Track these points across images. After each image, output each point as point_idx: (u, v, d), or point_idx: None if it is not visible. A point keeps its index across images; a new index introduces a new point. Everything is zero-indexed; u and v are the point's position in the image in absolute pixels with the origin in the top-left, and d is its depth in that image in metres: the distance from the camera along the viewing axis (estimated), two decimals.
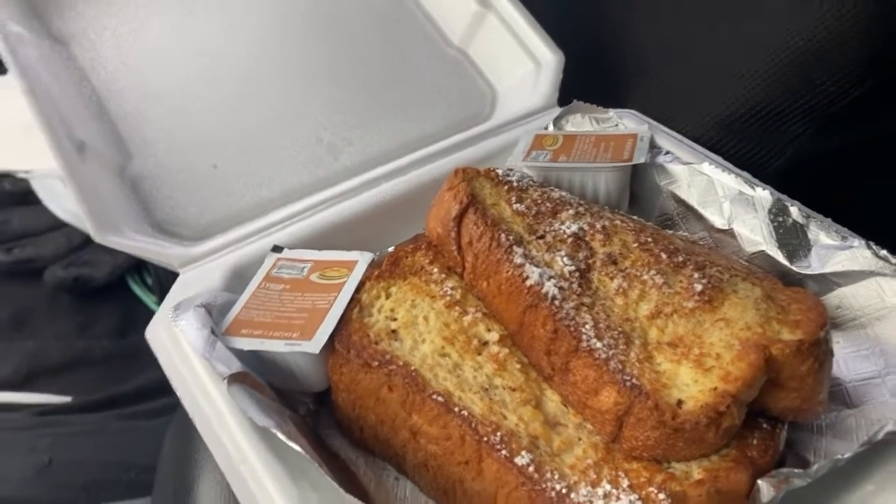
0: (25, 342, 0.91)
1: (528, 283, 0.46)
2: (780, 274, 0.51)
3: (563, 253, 0.48)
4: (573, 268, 0.47)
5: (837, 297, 0.50)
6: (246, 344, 0.47)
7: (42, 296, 0.95)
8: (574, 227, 0.50)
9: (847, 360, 0.48)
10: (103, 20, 0.66)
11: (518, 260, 0.47)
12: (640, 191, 0.59)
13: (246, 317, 0.49)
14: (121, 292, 0.98)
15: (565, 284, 0.46)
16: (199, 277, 0.53)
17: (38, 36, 0.63)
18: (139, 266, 1.00)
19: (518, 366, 0.46)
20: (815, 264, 0.50)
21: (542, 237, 0.50)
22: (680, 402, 0.40)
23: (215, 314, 0.49)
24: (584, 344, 0.43)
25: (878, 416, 0.44)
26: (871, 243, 0.48)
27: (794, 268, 0.50)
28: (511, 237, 0.49)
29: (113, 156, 0.60)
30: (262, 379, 0.47)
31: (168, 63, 0.65)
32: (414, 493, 0.47)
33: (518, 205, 0.51)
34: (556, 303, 0.45)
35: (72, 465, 0.76)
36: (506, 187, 0.53)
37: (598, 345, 0.43)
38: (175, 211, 0.59)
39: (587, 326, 0.44)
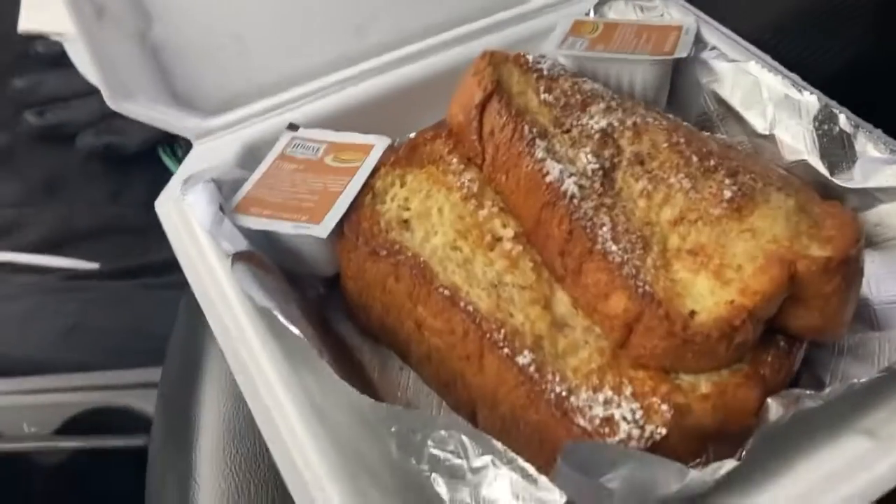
0: (57, 207, 0.92)
1: (548, 179, 0.44)
2: (819, 186, 0.48)
3: (588, 149, 0.46)
4: (597, 166, 0.45)
5: (877, 214, 0.47)
6: (254, 223, 0.46)
7: (74, 161, 0.95)
8: (603, 123, 0.47)
9: (878, 280, 0.46)
10: None
11: (539, 154, 0.45)
12: (680, 87, 0.55)
13: (257, 195, 0.47)
14: (153, 162, 0.98)
15: (586, 183, 0.44)
16: (213, 150, 0.52)
17: None
18: (170, 136, 0.99)
19: (531, 264, 0.44)
20: (857, 177, 0.47)
21: (568, 131, 0.47)
22: (693, 313, 0.39)
23: (226, 190, 0.48)
24: (599, 246, 0.41)
25: None
26: None
27: (835, 180, 0.47)
28: (535, 130, 0.46)
29: (134, 20, 0.57)
30: (270, 260, 0.46)
31: None
32: (417, 384, 0.46)
33: (546, 95, 0.49)
34: (575, 202, 0.43)
35: (95, 331, 0.77)
36: (535, 75, 0.50)
37: (614, 248, 0.41)
38: (194, 81, 0.57)
39: (604, 228, 0.42)
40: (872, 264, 0.46)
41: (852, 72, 0.56)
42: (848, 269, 0.39)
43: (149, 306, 0.82)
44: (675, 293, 0.39)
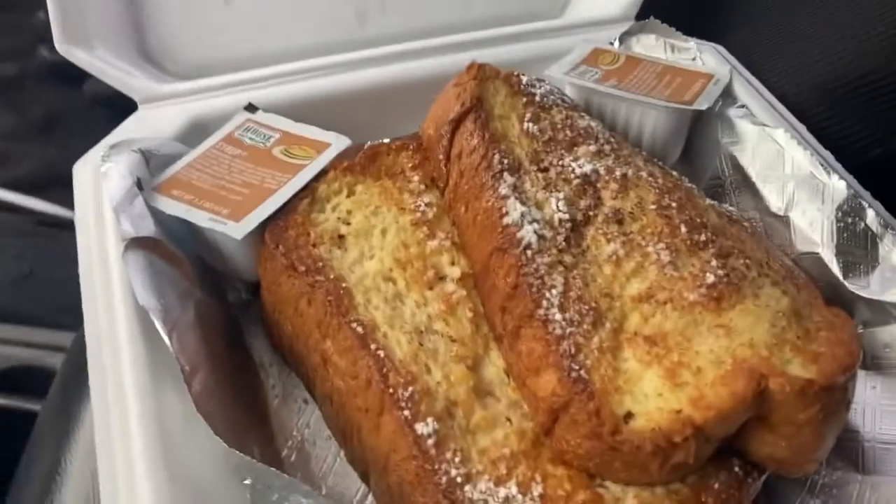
0: (49, 147, 0.88)
1: (505, 221, 0.37)
2: (829, 287, 0.41)
3: (562, 195, 0.39)
4: (567, 216, 0.38)
5: (890, 334, 0.39)
6: (170, 207, 0.40)
7: (78, 104, 0.91)
8: (588, 168, 0.40)
9: (877, 412, 0.38)
10: None
11: (503, 190, 0.38)
12: (696, 143, 0.48)
13: (185, 176, 0.42)
14: None
15: (549, 234, 0.37)
16: (157, 118, 0.46)
17: None
18: None
19: (470, 314, 0.38)
20: (874, 286, 0.39)
21: (545, 170, 0.41)
22: (629, 416, 0.32)
23: (154, 164, 0.42)
24: (542, 311, 0.34)
25: (891, 495, 0.35)
26: None
27: (847, 283, 0.40)
28: (506, 161, 0.40)
29: None
30: (185, 250, 0.40)
31: None
32: (318, 423, 0.40)
33: (530, 124, 0.42)
34: (528, 253, 0.36)
35: (50, 283, 0.73)
36: (524, 99, 0.44)
37: (558, 317, 0.34)
38: (168, 41, 0.52)
39: (554, 291, 0.35)
40: (873, 391, 0.39)
41: None
42: (830, 399, 0.32)
43: None
44: (615, 386, 0.33)
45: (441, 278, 0.39)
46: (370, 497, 0.37)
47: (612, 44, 0.53)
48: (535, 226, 0.37)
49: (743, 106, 0.47)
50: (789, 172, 0.43)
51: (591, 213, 0.39)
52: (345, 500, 0.37)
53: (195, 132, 0.45)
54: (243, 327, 0.44)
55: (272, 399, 0.41)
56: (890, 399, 0.38)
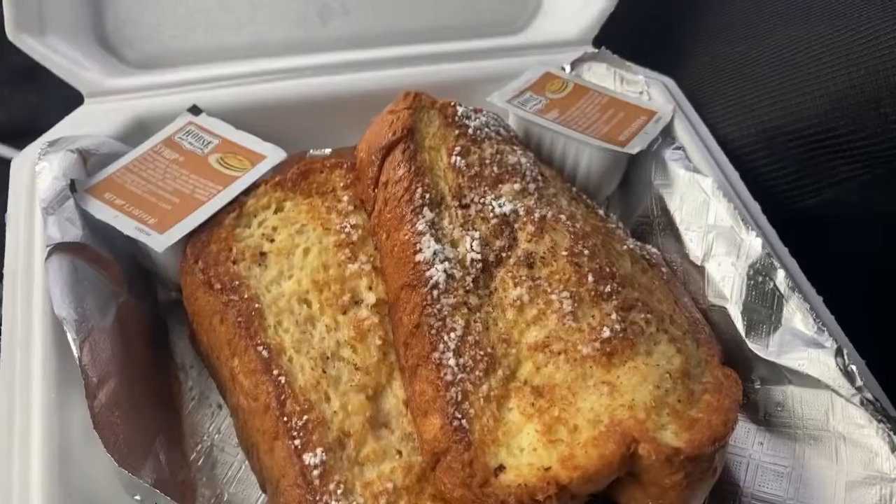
0: (31, 95, 0.88)
1: (418, 258, 0.39)
2: (732, 341, 0.42)
3: (477, 234, 0.40)
4: (479, 257, 0.39)
5: (783, 394, 0.41)
6: (100, 211, 0.41)
7: None
8: (507, 207, 0.41)
9: (759, 469, 0.40)
10: None
11: (420, 226, 0.40)
12: (632, 179, 0.49)
13: (119, 179, 0.43)
14: None
15: (459, 273, 0.39)
16: (101, 113, 0.47)
17: None
18: None
19: (379, 342, 0.39)
20: (773, 347, 0.41)
21: (465, 206, 0.41)
22: (501, 468, 0.33)
23: (92, 163, 0.43)
24: (437, 355, 0.36)
25: None
26: (845, 351, 0.38)
27: (748, 341, 0.41)
28: (428, 196, 0.41)
29: None
30: (119, 249, 0.42)
31: None
32: (230, 430, 0.42)
33: (458, 158, 0.43)
34: (435, 293, 0.37)
35: None
36: (456, 132, 0.44)
37: (451, 362, 0.36)
38: (126, 29, 0.52)
39: (453, 334, 0.36)
40: (760, 447, 0.41)
41: (830, 212, 0.50)
42: (695, 468, 0.34)
43: None
44: (493, 437, 0.34)
45: (357, 303, 0.41)
46: None
47: (563, 69, 0.53)
48: (447, 265, 0.38)
49: (679, 147, 0.48)
50: (711, 223, 0.44)
51: (504, 255, 0.40)
52: None
53: (138, 131, 0.46)
54: (170, 327, 0.45)
55: (188, 401, 0.43)
56: (772, 458, 0.40)
